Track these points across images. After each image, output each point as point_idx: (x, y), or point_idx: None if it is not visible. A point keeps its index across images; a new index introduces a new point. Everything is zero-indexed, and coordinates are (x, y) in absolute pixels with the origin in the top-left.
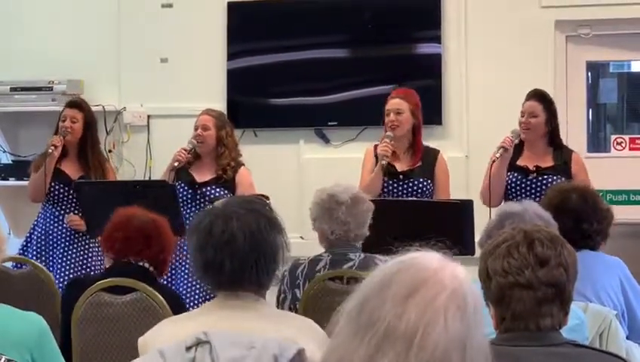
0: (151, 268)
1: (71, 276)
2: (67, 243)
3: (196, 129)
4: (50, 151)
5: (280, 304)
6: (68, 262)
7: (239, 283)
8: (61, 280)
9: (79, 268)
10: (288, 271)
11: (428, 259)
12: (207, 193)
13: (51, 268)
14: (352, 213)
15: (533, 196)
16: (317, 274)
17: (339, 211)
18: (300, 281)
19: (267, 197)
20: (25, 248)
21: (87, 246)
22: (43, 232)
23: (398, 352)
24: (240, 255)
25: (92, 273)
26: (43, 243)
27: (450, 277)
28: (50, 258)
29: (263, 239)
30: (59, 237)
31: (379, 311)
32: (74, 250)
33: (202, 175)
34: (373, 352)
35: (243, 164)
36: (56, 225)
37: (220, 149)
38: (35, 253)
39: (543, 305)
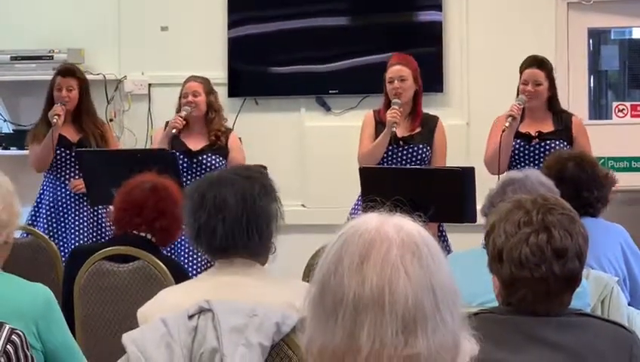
0: (153, 238)
1: (84, 242)
2: (77, 210)
3: (185, 96)
4: (54, 121)
5: None
6: (80, 229)
7: (233, 248)
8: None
9: (92, 235)
10: None
11: (367, 221)
12: (204, 161)
13: (64, 236)
14: None
15: (536, 162)
16: None
17: None
18: None
19: (265, 168)
20: (34, 217)
21: (97, 212)
22: (51, 199)
23: (374, 317)
24: (231, 219)
25: (105, 238)
26: (52, 210)
27: (394, 230)
28: (62, 225)
29: (256, 204)
30: (67, 203)
31: (340, 288)
32: (85, 216)
33: (195, 143)
34: (350, 327)
35: (232, 129)
36: (63, 191)
37: (210, 115)
38: (45, 221)
39: (554, 296)
